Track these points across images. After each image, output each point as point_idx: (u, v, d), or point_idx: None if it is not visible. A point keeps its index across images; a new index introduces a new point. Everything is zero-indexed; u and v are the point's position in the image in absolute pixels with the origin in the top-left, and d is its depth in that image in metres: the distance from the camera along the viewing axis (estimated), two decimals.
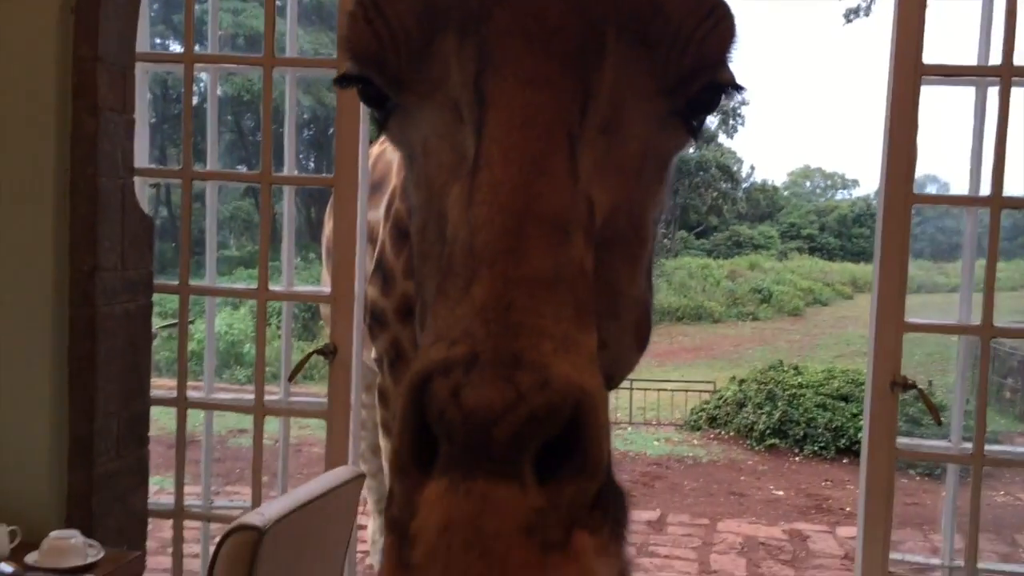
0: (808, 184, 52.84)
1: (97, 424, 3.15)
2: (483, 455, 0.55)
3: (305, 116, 27.66)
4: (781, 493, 9.09)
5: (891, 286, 3.12)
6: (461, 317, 0.59)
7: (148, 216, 3.45)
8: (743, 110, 39.75)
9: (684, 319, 25.86)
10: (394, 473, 0.60)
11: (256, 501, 3.47)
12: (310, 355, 3.47)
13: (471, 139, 0.70)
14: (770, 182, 45.94)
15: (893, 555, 3.21)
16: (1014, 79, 3.03)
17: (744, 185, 41.80)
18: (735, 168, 39.96)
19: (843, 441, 10.49)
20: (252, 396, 3.55)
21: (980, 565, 3.21)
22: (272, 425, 4.12)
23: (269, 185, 3.46)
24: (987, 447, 3.19)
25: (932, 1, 3.01)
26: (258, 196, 3.56)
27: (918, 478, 9.43)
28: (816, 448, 10.52)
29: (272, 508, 2.34)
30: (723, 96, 0.83)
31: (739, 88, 0.82)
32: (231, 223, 27.81)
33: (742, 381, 12.33)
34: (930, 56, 3.03)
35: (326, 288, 3.55)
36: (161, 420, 5.83)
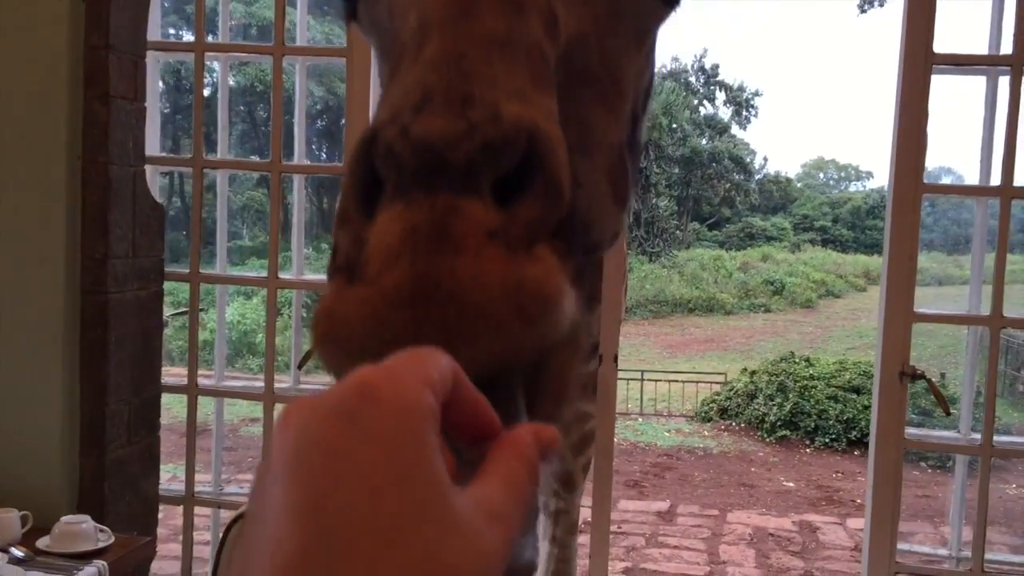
0: (821, 176, 52.58)
1: (108, 410, 3.18)
2: (438, 177, 0.54)
3: (317, 107, 27.70)
4: (792, 485, 9.09)
5: (900, 276, 3.11)
6: (412, 78, 0.58)
7: (159, 204, 3.46)
8: (756, 101, 39.66)
9: (696, 311, 25.82)
10: (338, 224, 0.57)
11: None
12: None
13: None
14: (783, 173, 45.74)
15: (901, 546, 3.21)
16: None
17: (757, 176, 41.61)
18: (748, 159, 39.80)
19: (854, 433, 10.48)
20: (263, 384, 3.57)
21: (989, 556, 3.21)
22: None
23: (279, 173, 3.48)
24: (997, 438, 3.18)
25: None
26: (270, 186, 3.57)
27: (930, 470, 9.42)
28: (827, 440, 10.52)
29: None
30: None
31: None
32: (244, 213, 27.91)
33: (753, 373, 12.33)
34: (941, 45, 3.02)
35: None
36: (174, 408, 5.88)
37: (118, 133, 3.18)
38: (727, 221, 38.40)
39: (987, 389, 3.22)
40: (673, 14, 0.85)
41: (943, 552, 3.46)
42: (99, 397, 3.16)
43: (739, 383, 12.31)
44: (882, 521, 3.19)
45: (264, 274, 3.57)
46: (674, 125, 34.74)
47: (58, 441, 3.14)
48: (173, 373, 5.14)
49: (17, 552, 2.75)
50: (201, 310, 3.79)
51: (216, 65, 3.88)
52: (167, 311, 3.69)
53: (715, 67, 39.35)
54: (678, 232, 34.27)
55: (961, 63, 3.10)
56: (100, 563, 2.78)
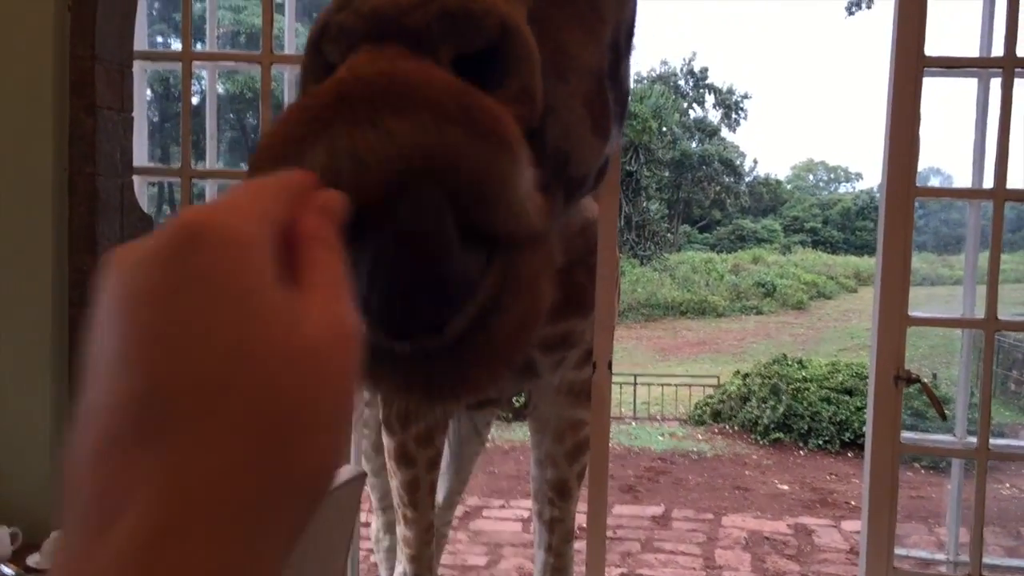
0: (811, 178, 52.75)
1: None
2: (395, 38, 0.51)
3: None
4: (786, 487, 9.08)
5: (894, 279, 3.10)
6: None
7: (148, 215, 3.44)
8: (745, 104, 39.77)
9: (688, 314, 25.84)
10: (290, 110, 0.54)
11: None
12: None
13: None
14: (773, 176, 45.97)
15: (898, 550, 3.20)
16: (1016, 70, 3.01)
17: (747, 179, 41.76)
18: (738, 162, 39.94)
19: (848, 435, 10.48)
20: None
21: (986, 560, 3.20)
22: None
23: None
24: (992, 440, 3.17)
25: None
26: None
27: (923, 472, 9.42)
28: (821, 442, 10.52)
29: None
30: None
31: None
32: None
33: (746, 375, 12.32)
34: (932, 47, 3.01)
35: None
36: None
37: (105, 144, 3.15)
38: (718, 224, 38.51)
39: (983, 392, 3.21)
40: None
41: (940, 556, 3.45)
42: None
43: (732, 386, 12.31)
44: (878, 525, 3.17)
45: None
46: (664, 128, 34.80)
47: (48, 457, 3.11)
48: None
49: (7, 570, 2.72)
50: None
51: (204, 73, 3.86)
52: None
53: (704, 70, 39.49)
54: (669, 235, 34.34)
55: (952, 65, 3.10)
56: None
